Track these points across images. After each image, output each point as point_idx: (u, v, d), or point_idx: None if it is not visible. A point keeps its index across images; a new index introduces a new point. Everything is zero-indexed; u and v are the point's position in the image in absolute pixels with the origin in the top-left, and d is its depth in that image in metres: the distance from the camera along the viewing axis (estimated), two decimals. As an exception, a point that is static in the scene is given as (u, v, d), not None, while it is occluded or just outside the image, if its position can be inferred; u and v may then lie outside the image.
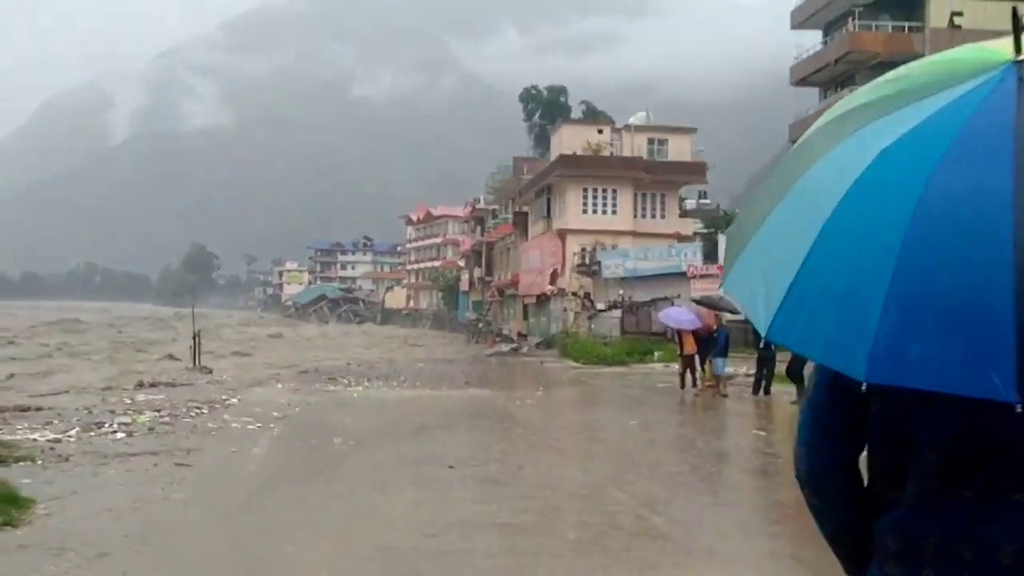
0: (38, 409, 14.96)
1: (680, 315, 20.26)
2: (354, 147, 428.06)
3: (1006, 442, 1.39)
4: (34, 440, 11.33)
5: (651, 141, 47.34)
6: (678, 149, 47.39)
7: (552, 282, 44.95)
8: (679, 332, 19.05)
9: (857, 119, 1.46)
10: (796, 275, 1.34)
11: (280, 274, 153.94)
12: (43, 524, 6.95)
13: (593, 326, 38.65)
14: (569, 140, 45.54)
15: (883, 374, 1.23)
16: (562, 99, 70.32)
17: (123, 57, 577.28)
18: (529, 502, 8.17)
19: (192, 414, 14.82)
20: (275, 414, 15.10)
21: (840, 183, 1.35)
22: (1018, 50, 1.35)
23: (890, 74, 1.54)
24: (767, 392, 18.70)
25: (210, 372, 25.01)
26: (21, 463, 9.70)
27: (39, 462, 9.83)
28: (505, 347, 43.58)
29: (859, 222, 1.31)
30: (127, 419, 13.62)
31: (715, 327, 19.08)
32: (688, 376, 19.34)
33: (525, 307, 52.40)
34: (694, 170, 47.11)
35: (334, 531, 7.06)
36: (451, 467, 10.09)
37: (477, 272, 69.95)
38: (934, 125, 1.33)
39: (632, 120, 49.10)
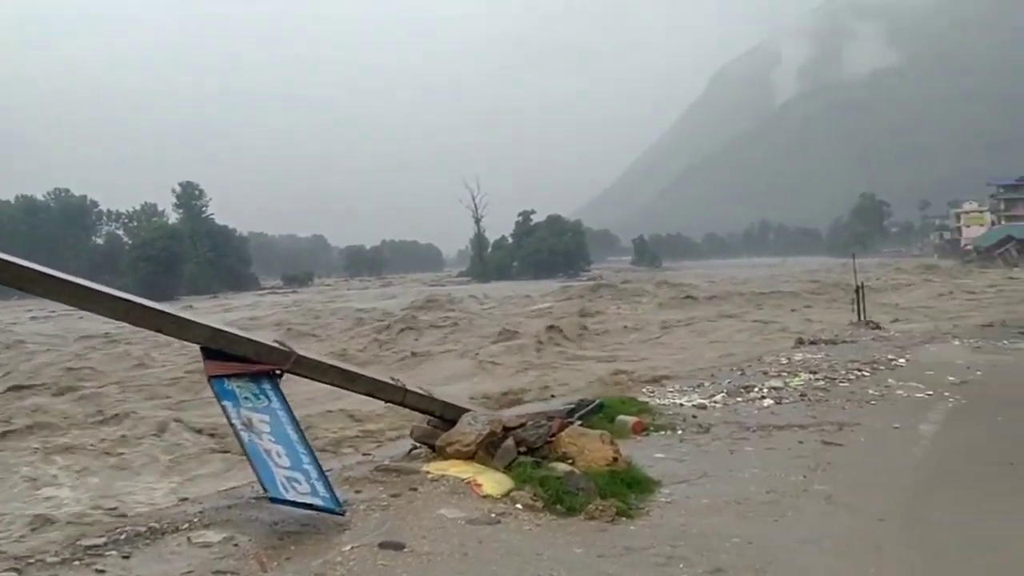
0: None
1: None
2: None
3: None
4: (680, 406, 10.88)
5: None
6: None
7: None
8: None
9: None
10: None
11: (958, 216, 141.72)
12: (660, 516, 6.07)
13: None
14: None
15: None
16: None
17: (786, 15, 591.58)
18: None
19: (851, 377, 13.18)
20: (950, 378, 12.65)
21: None
22: None
23: None
24: None
25: (877, 327, 22.95)
26: (661, 432, 9.21)
27: (679, 432, 9.22)
28: None
29: None
30: (779, 383, 12.56)
31: None
32: None
33: None
34: None
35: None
36: None
37: None
38: None
39: None
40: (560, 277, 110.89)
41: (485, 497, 5.99)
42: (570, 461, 6.69)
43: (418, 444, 7.07)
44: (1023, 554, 5.22)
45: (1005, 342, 18.05)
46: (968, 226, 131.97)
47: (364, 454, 8.94)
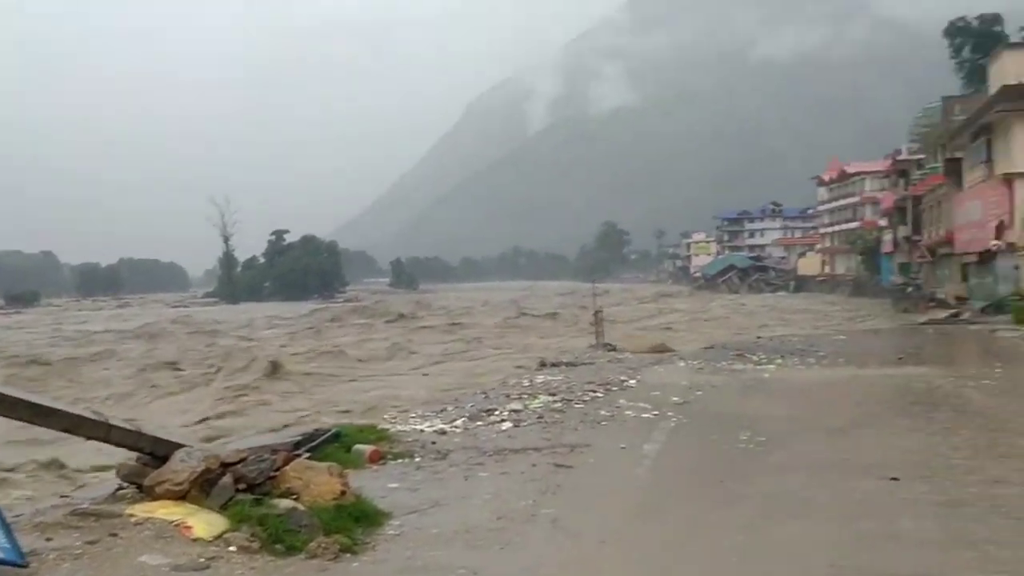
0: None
1: None
2: (759, 111, 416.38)
3: None
4: (421, 432, 10.81)
5: (1125, 58, 38.42)
6: None
7: (998, 236, 38.32)
8: None
9: None
10: None
11: (688, 246, 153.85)
12: (387, 550, 5.89)
13: (1058, 286, 32.15)
14: (1013, 68, 38.35)
15: None
16: (997, 29, 60.68)
17: (537, 50, 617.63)
18: (1019, 541, 5.60)
19: (586, 398, 13.73)
20: (674, 399, 13.49)
21: None
22: None
23: None
24: None
25: (613, 349, 24.22)
26: (399, 460, 9.06)
27: (416, 459, 9.12)
28: (941, 314, 38.08)
29: None
30: (519, 405, 12.83)
31: None
32: None
33: (964, 267, 45.65)
34: None
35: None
36: (894, 479, 7.66)
37: (902, 231, 62.95)
38: None
39: (1099, 34, 40.26)
40: (315, 298, 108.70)
41: (196, 540, 5.52)
42: (294, 497, 6.36)
43: (125, 484, 6.43)
44: (729, 568, 5.50)
45: (723, 363, 19.58)
46: (697, 255, 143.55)
47: (62, 496, 8.06)
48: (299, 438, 8.23)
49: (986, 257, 40.16)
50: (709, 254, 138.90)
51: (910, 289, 53.13)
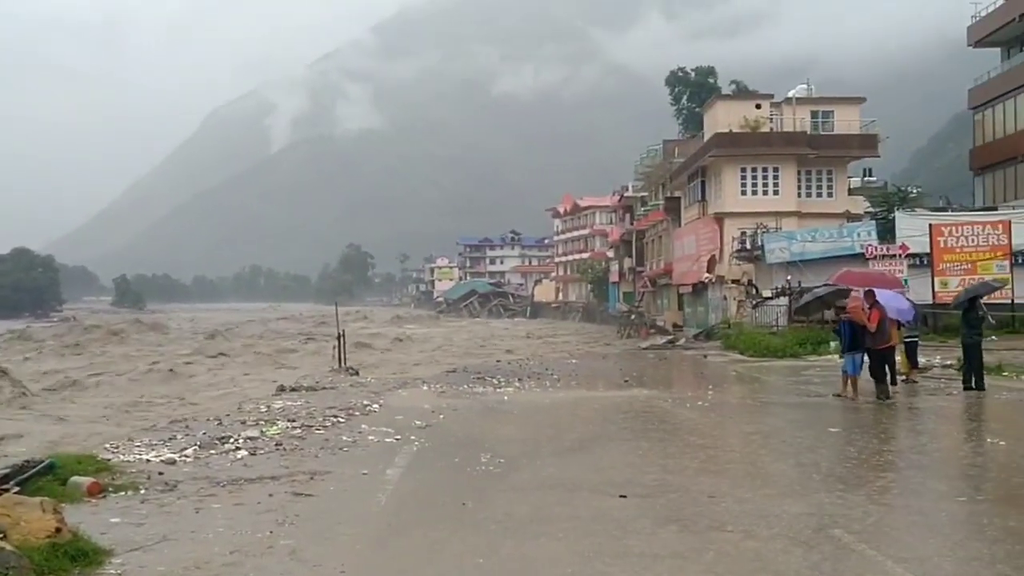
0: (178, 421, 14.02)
1: (896, 302, 17.56)
2: (500, 143, 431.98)
3: None
4: (147, 461, 10.09)
5: (814, 114, 43.81)
6: (845, 122, 43.63)
7: (710, 269, 42.17)
8: (883, 320, 16.05)
9: None
10: None
11: (431, 271, 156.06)
12: (107, 593, 5.42)
13: (757, 315, 35.78)
14: (724, 117, 42.55)
15: None
16: (711, 80, 67.06)
17: (282, 65, 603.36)
18: (735, 553, 6.11)
19: (328, 423, 13.45)
20: (417, 423, 13.54)
21: None
22: None
23: None
24: (980, 387, 16.29)
25: (356, 374, 24.00)
26: (122, 492, 8.39)
27: (141, 491, 8.48)
28: (661, 339, 41.21)
29: None
30: (255, 432, 12.32)
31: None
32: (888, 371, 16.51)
33: (680, 297, 49.77)
34: (864, 143, 43.24)
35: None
36: (623, 496, 8.11)
37: (627, 262, 67.61)
38: None
39: (792, 93, 45.55)
40: (26, 317, 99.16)
41: None
42: (1, 535, 5.71)
43: None
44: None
45: (465, 386, 19.97)
46: (440, 280, 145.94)
47: None
48: (7, 470, 7.40)
49: (699, 288, 43.99)
50: (452, 279, 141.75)
51: (633, 316, 57.05)
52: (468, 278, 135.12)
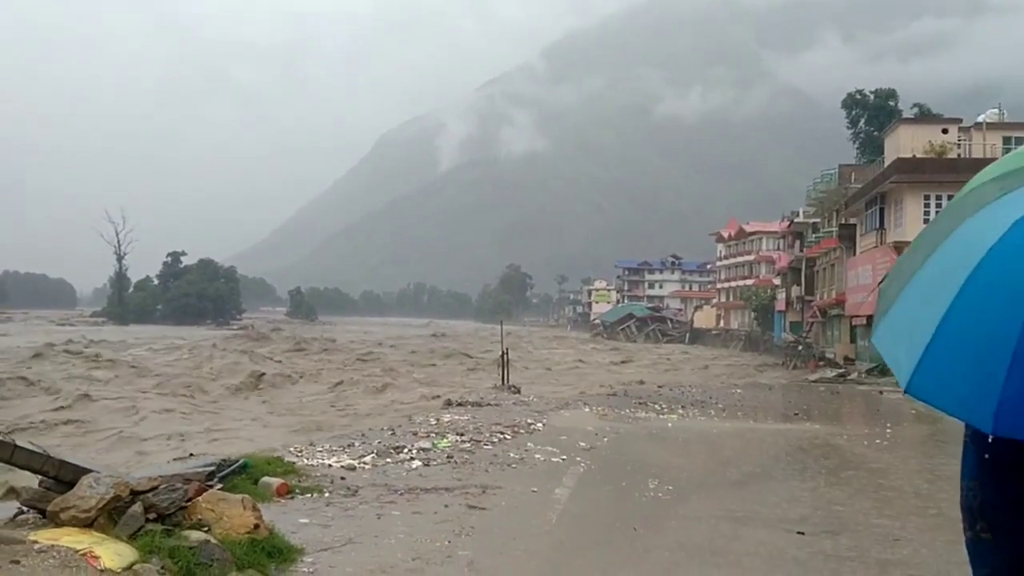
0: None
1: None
2: (663, 167, 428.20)
3: None
4: (329, 466, 10.57)
5: (1007, 140, 41.01)
6: (1040, 148, 40.71)
7: (886, 301, 40.19)
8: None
9: (989, 191, 1.56)
10: (935, 331, 1.44)
11: (589, 293, 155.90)
12: (301, 588, 5.72)
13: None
14: (907, 142, 40.59)
15: (1007, 428, 1.34)
16: (891, 103, 63.98)
17: (452, 90, 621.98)
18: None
19: (495, 439, 13.68)
20: (581, 444, 13.57)
21: (978, 249, 1.44)
22: None
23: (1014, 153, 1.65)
24: None
25: (518, 392, 24.26)
26: (308, 494, 8.83)
27: (326, 494, 8.90)
28: (830, 372, 39.59)
29: (993, 285, 1.41)
30: (427, 444, 12.69)
31: None
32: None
33: (853, 328, 47.61)
34: (1062, 171, 40.15)
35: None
36: (800, 533, 7.86)
37: (795, 291, 65.30)
38: None
39: (981, 118, 42.95)
40: (209, 324, 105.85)
41: (103, 571, 5.25)
42: (207, 529, 6.12)
43: (26, 508, 6.08)
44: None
45: (627, 411, 19.85)
46: (597, 302, 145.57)
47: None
48: (212, 468, 7.95)
49: (874, 320, 41.99)
50: (609, 302, 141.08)
51: (800, 347, 55.03)
52: (626, 301, 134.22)
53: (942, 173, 39.24)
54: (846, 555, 7.17)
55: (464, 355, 51.13)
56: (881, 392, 28.65)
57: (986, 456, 1.63)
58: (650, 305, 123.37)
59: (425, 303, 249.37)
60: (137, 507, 5.85)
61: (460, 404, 19.66)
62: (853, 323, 46.93)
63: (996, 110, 44.20)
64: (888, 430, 17.16)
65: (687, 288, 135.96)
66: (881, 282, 1.85)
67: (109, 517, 5.73)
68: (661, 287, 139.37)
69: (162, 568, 5.41)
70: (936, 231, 1.61)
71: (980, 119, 42.66)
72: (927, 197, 39.00)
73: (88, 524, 5.65)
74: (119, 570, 5.29)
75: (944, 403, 1.44)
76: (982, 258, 1.43)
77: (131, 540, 5.65)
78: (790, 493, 10.13)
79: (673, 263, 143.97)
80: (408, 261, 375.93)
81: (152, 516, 5.90)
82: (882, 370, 36.25)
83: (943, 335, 1.44)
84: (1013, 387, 1.34)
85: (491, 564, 6.58)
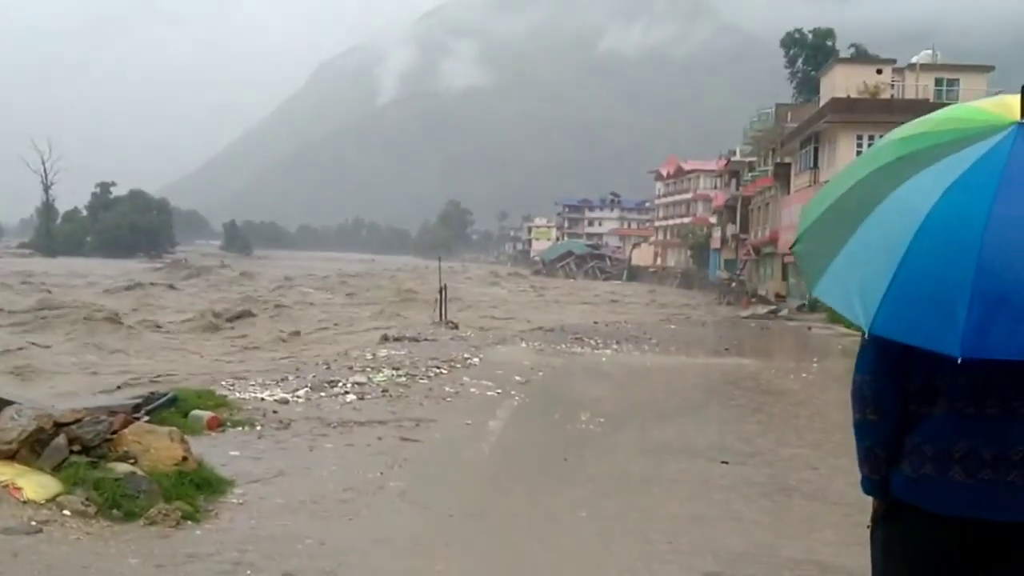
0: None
1: None
2: (604, 103, 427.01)
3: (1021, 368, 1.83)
4: (262, 400, 10.53)
5: (939, 82, 41.87)
6: (971, 91, 41.41)
7: (817, 240, 41.03)
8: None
9: (907, 167, 1.97)
10: (891, 281, 1.80)
11: (529, 230, 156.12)
12: (230, 519, 5.72)
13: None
14: (842, 82, 41.06)
15: (972, 351, 1.70)
16: (829, 43, 64.36)
17: (393, 17, 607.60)
18: (849, 526, 6.05)
19: (431, 374, 13.75)
20: (517, 378, 13.72)
21: (916, 214, 1.84)
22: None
23: (906, 130, 2.15)
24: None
25: (455, 327, 24.32)
26: (239, 428, 8.79)
27: (258, 428, 8.87)
28: (762, 309, 40.44)
29: (939, 242, 1.80)
30: (362, 378, 12.70)
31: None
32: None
33: (784, 266, 48.60)
34: (990, 114, 41.11)
35: (581, 562, 5.31)
36: (725, 463, 8.10)
37: (730, 229, 66.30)
38: (979, 172, 1.86)
39: (916, 59, 43.60)
40: (141, 257, 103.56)
41: (26, 503, 5.19)
42: (133, 461, 6.06)
43: (-57, 442, 5.95)
44: (572, 541, 5.67)
45: (563, 346, 20.09)
46: (537, 239, 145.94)
47: None
48: (138, 400, 7.85)
49: (806, 269, 42.82)
50: (549, 239, 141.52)
51: (734, 284, 56.04)
52: (566, 239, 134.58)
53: (875, 113, 39.85)
54: (767, 482, 7.42)
55: (406, 291, 50.90)
56: (810, 328, 29.45)
57: (883, 356, 2.07)
58: (589, 243, 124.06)
59: (364, 237, 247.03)
60: (61, 439, 5.77)
61: (397, 339, 19.67)
62: (785, 261, 47.86)
63: (930, 52, 44.87)
64: (815, 364, 17.69)
65: (626, 226, 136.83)
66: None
67: (32, 449, 5.65)
68: (601, 224, 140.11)
69: (87, 499, 5.37)
70: (856, 206, 2.00)
71: (914, 60, 43.30)
72: (860, 137, 39.59)
73: (10, 456, 5.57)
74: (42, 501, 5.24)
75: (909, 337, 1.82)
76: (923, 221, 1.82)
77: (55, 472, 5.59)
78: (717, 425, 10.43)
79: (613, 201, 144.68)
80: (346, 195, 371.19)
81: (76, 448, 5.83)
82: (812, 306, 37.18)
83: (900, 283, 1.79)
84: (973, 320, 1.70)
85: (423, 494, 6.66)
